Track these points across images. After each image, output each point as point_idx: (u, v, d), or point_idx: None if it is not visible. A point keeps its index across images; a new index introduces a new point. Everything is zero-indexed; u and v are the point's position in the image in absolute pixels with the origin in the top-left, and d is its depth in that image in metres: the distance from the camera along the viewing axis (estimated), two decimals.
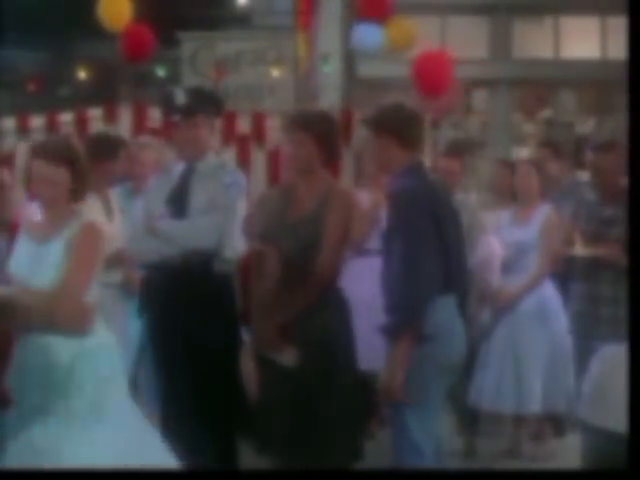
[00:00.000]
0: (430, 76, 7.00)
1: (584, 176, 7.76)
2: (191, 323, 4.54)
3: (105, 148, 5.38)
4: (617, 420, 3.56)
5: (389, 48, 8.35)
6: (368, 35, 8.24)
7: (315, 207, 4.29)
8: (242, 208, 4.68)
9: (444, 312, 4.06)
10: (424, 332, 3.98)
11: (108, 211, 5.27)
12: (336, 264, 4.30)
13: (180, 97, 4.69)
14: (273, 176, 6.62)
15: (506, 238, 5.88)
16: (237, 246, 4.69)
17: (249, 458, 4.61)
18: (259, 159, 6.68)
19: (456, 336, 4.14)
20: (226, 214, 4.57)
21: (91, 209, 5.27)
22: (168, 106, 4.80)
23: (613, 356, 3.86)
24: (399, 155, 4.19)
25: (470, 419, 5.96)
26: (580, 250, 5.02)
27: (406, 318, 3.97)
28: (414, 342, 3.96)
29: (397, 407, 4.06)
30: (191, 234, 4.57)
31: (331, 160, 4.41)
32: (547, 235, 5.78)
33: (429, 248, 4.02)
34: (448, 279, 4.08)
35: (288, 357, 4.19)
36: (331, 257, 4.25)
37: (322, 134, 4.32)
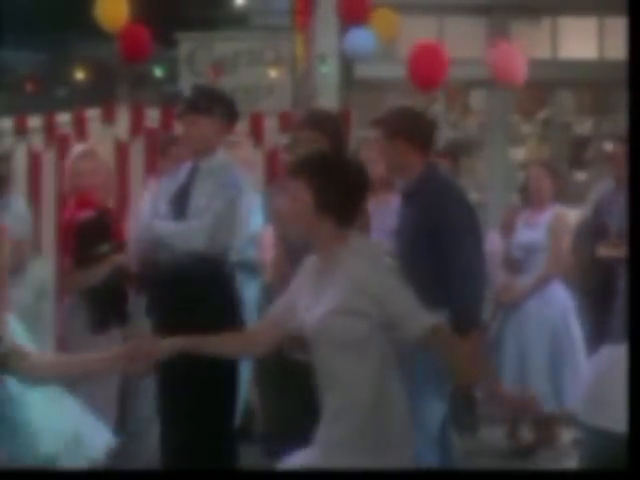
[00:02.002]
0: (425, 70, 7.02)
1: (583, 177, 7.73)
2: (192, 325, 4.51)
3: None
4: (616, 420, 3.56)
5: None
6: (360, 39, 8.23)
7: None
8: (242, 209, 4.66)
9: None
10: None
11: None
12: None
13: (187, 92, 4.71)
14: (271, 176, 6.61)
15: (518, 238, 5.89)
16: (241, 248, 4.68)
17: (249, 458, 4.61)
18: (257, 159, 6.67)
19: None
20: (221, 216, 4.54)
21: None
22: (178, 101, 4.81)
23: (612, 356, 3.87)
24: (414, 158, 4.20)
25: (469, 419, 5.95)
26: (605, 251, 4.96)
27: (478, 314, 4.09)
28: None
29: (417, 400, 4.08)
30: (182, 236, 4.54)
31: None
32: (555, 236, 5.78)
33: (479, 243, 4.11)
34: None
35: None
36: None
37: (332, 132, 4.33)
